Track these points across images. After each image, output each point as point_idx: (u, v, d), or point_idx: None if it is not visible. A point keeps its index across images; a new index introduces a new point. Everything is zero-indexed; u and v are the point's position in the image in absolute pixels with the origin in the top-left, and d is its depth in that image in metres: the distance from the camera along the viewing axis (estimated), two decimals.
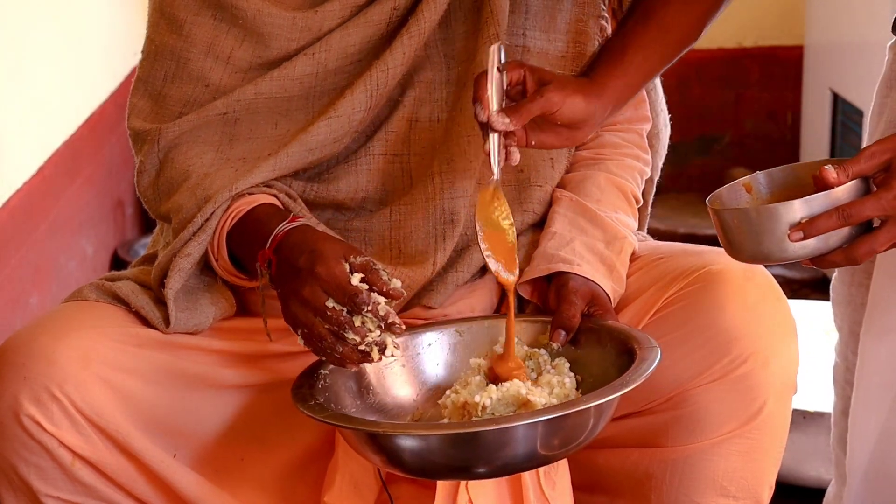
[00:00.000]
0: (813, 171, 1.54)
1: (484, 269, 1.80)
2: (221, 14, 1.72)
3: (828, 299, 1.97)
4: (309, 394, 1.55)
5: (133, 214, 3.84)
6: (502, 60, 1.59)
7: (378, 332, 1.51)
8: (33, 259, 2.89)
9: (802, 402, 2.44)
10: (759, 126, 4.54)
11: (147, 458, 1.63)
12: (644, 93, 1.90)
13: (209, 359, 1.69)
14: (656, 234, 1.99)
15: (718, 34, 3.66)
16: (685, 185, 4.50)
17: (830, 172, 1.50)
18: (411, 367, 1.68)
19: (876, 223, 1.53)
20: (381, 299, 1.51)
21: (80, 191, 3.30)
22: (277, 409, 1.70)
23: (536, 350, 1.66)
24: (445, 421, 1.58)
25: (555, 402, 1.56)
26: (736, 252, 1.56)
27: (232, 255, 1.68)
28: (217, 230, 1.66)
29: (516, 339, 1.67)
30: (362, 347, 1.51)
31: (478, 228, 1.59)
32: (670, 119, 1.99)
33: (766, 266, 1.67)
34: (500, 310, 1.80)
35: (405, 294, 1.55)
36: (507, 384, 1.56)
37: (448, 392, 1.61)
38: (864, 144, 1.87)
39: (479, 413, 1.54)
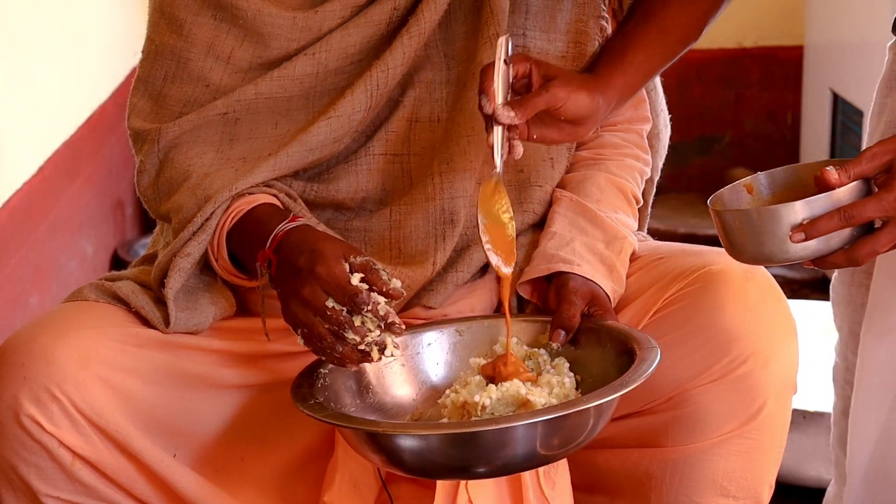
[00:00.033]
0: (814, 172, 1.54)
1: (484, 270, 1.80)
2: (222, 14, 1.72)
3: (828, 299, 1.97)
4: (308, 393, 1.55)
5: (133, 214, 3.84)
6: (510, 53, 1.59)
7: (378, 332, 1.51)
8: (33, 259, 2.89)
9: (802, 402, 2.44)
10: (759, 126, 4.54)
11: (147, 458, 1.63)
12: (644, 93, 1.90)
13: (209, 359, 1.69)
14: (656, 234, 1.99)
15: (718, 34, 3.66)
16: (685, 185, 4.50)
17: (832, 173, 1.50)
18: (411, 367, 1.68)
19: (877, 224, 1.53)
20: (381, 299, 1.51)
21: (80, 191, 3.30)
22: (277, 409, 1.70)
23: (536, 350, 1.66)
24: (445, 420, 1.58)
25: (554, 402, 1.56)
26: (737, 253, 1.56)
27: (232, 254, 1.68)
28: (217, 230, 1.66)
29: (515, 339, 1.68)
30: (362, 347, 1.51)
31: (479, 221, 1.59)
32: (670, 119, 1.99)
33: (766, 266, 1.67)
34: (500, 310, 1.80)
35: (405, 294, 1.55)
36: (506, 384, 1.56)
37: (447, 391, 1.61)
38: (864, 144, 1.88)
39: (479, 413, 1.54)
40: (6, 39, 2.79)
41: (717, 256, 1.70)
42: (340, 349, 1.51)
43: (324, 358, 1.55)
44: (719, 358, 1.65)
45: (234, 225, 1.66)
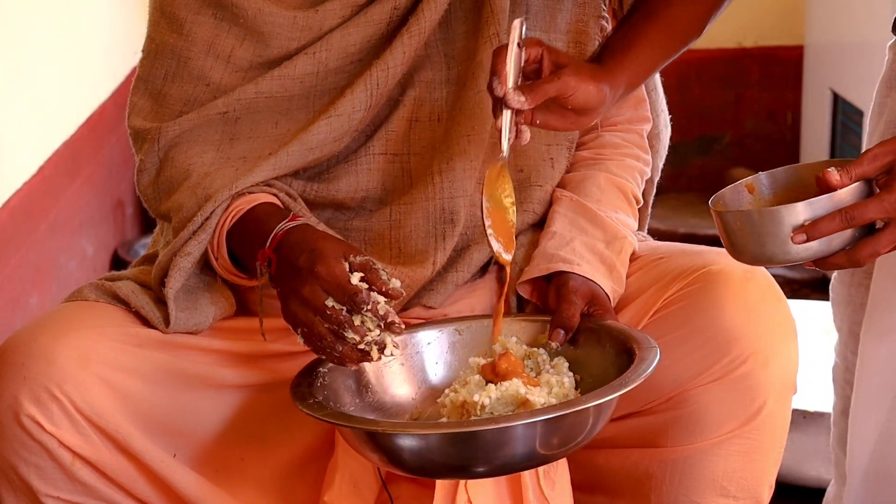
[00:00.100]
0: (815, 172, 1.54)
1: (484, 269, 1.80)
2: (222, 13, 1.72)
3: (828, 299, 1.97)
4: (308, 392, 1.55)
5: (133, 214, 3.84)
6: (523, 36, 1.59)
7: (377, 332, 1.51)
8: (33, 259, 2.89)
9: (802, 402, 2.44)
10: (759, 126, 4.54)
11: (147, 457, 1.63)
12: (644, 93, 1.90)
13: (209, 359, 1.69)
14: (656, 234, 1.99)
15: (718, 34, 3.66)
16: (685, 185, 4.50)
17: (833, 175, 1.50)
18: (410, 366, 1.68)
19: (878, 225, 1.53)
20: (381, 298, 1.51)
21: (80, 191, 3.30)
22: (277, 409, 1.70)
23: (535, 350, 1.66)
24: (444, 420, 1.58)
25: (553, 401, 1.56)
26: (739, 254, 1.56)
27: (231, 254, 1.68)
28: (217, 229, 1.66)
29: (515, 339, 1.68)
30: (362, 346, 1.51)
31: (483, 204, 1.59)
32: (670, 119, 1.99)
33: (767, 267, 1.67)
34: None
35: (404, 294, 1.55)
36: (506, 383, 1.56)
37: (447, 391, 1.61)
38: (864, 144, 1.88)
39: (478, 412, 1.54)
40: (6, 39, 2.79)
41: (717, 256, 1.70)
42: (340, 348, 1.51)
43: (323, 357, 1.55)
44: (719, 358, 1.65)
45: (234, 224, 1.66)
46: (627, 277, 1.76)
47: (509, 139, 1.58)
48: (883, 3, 3.47)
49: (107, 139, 3.57)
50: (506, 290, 1.64)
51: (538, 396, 1.54)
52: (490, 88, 1.57)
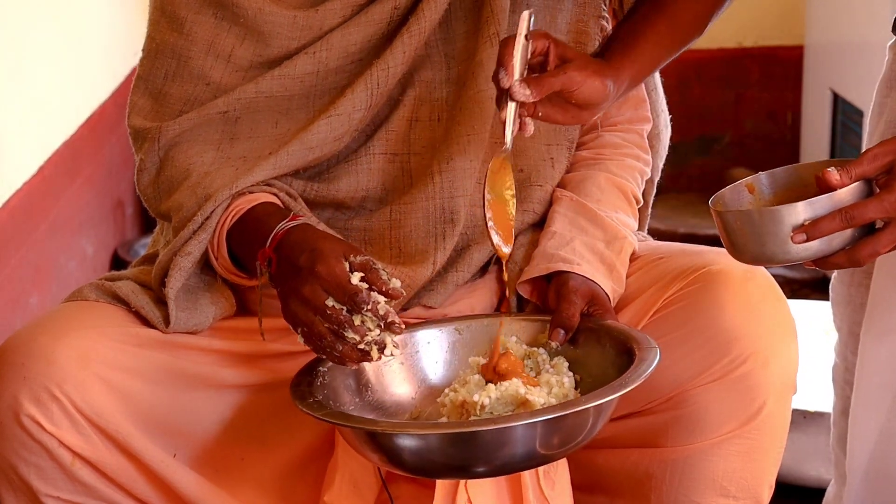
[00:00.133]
0: (815, 172, 1.54)
1: (484, 269, 1.80)
2: (222, 12, 1.72)
3: (828, 299, 1.97)
4: (308, 391, 1.55)
5: (133, 214, 3.84)
6: (531, 28, 1.59)
7: (377, 332, 1.51)
8: (33, 259, 2.89)
9: (802, 402, 2.44)
10: (759, 126, 4.54)
11: (147, 457, 1.63)
12: (644, 93, 1.90)
13: (209, 359, 1.69)
14: (656, 234, 1.99)
15: (718, 34, 3.66)
16: (685, 185, 4.50)
17: (833, 174, 1.50)
18: (410, 365, 1.68)
19: (878, 225, 1.53)
20: (381, 298, 1.51)
21: (80, 191, 3.30)
22: (277, 409, 1.70)
23: (535, 349, 1.66)
24: (444, 419, 1.58)
25: (553, 401, 1.56)
26: (739, 253, 1.56)
27: (231, 253, 1.68)
28: (217, 228, 1.66)
29: (515, 338, 1.67)
30: (362, 346, 1.51)
31: (485, 196, 1.59)
32: (670, 119, 1.99)
33: (767, 267, 1.67)
34: (500, 309, 1.80)
35: (404, 294, 1.55)
36: (505, 383, 1.56)
37: (446, 390, 1.61)
38: (864, 144, 1.88)
39: (478, 412, 1.54)
40: (6, 39, 2.79)
41: (717, 256, 1.70)
42: (340, 348, 1.51)
43: (323, 357, 1.55)
44: (719, 358, 1.65)
45: (234, 223, 1.66)
46: (627, 277, 1.76)
47: (513, 131, 1.57)
48: (883, 3, 3.47)
49: (107, 139, 3.57)
50: (508, 292, 1.64)
51: (538, 396, 1.54)
52: (496, 79, 1.56)
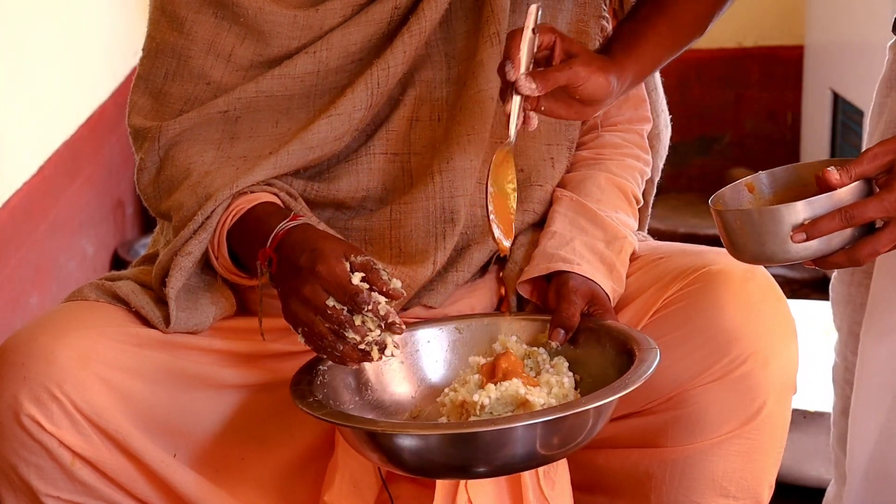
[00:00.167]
0: (815, 172, 1.54)
1: (484, 269, 1.80)
2: (223, 12, 1.72)
3: (828, 299, 1.97)
4: (307, 390, 1.55)
5: (133, 214, 3.84)
6: (538, 22, 1.58)
7: (378, 332, 1.51)
8: (33, 259, 2.89)
9: (802, 402, 2.44)
10: (759, 126, 4.54)
11: (147, 457, 1.63)
12: (645, 93, 1.90)
13: (209, 359, 1.69)
14: (656, 234, 1.99)
15: (718, 34, 3.65)
16: (685, 185, 4.50)
17: (833, 174, 1.50)
18: (410, 364, 1.67)
19: (878, 224, 1.53)
20: (382, 299, 1.51)
21: (80, 191, 3.30)
22: (277, 409, 1.70)
23: (535, 349, 1.66)
24: (443, 419, 1.58)
25: (553, 402, 1.56)
26: (738, 253, 1.56)
27: (232, 253, 1.68)
28: (218, 228, 1.66)
29: (515, 338, 1.67)
30: (362, 346, 1.51)
31: (487, 189, 1.58)
32: (670, 119, 1.99)
33: (767, 266, 1.67)
34: (500, 309, 1.80)
35: (405, 294, 1.55)
36: (505, 383, 1.56)
37: (446, 390, 1.61)
38: (864, 144, 1.87)
39: (478, 412, 1.54)
40: (6, 39, 2.79)
41: (717, 256, 1.70)
42: (341, 348, 1.51)
43: (324, 356, 1.55)
44: (719, 358, 1.65)
45: (234, 223, 1.66)
46: (627, 277, 1.76)
47: (517, 125, 1.57)
48: (883, 3, 3.47)
49: (107, 139, 3.57)
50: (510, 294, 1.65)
51: (538, 397, 1.54)
52: (501, 72, 1.56)
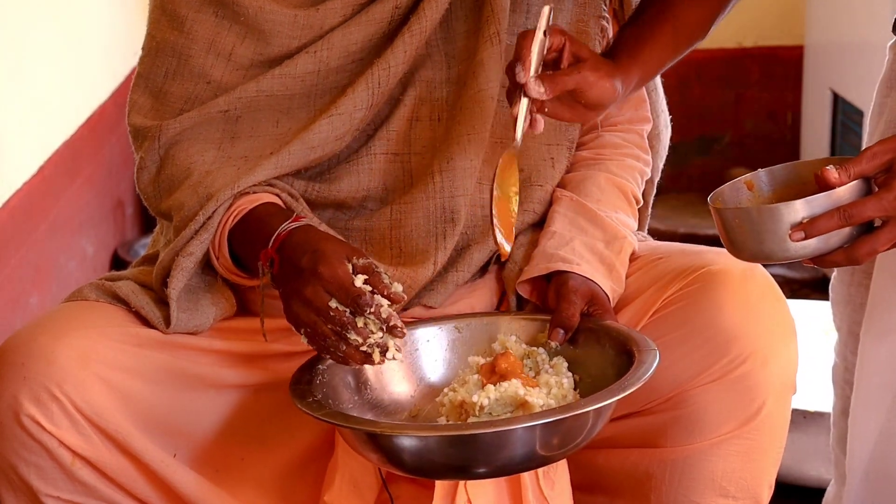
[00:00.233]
0: (815, 170, 1.54)
1: (484, 269, 1.80)
2: (223, 11, 1.72)
3: (828, 299, 1.96)
4: (307, 390, 1.55)
5: (133, 214, 3.84)
6: (550, 23, 1.58)
7: (380, 335, 1.51)
8: (33, 259, 2.89)
9: (802, 402, 2.44)
10: (759, 126, 4.54)
11: (147, 457, 1.63)
12: (644, 93, 1.90)
13: (209, 359, 1.69)
14: (656, 234, 1.99)
15: (718, 34, 3.65)
16: (685, 185, 4.50)
17: (832, 173, 1.50)
18: (409, 364, 1.67)
19: (877, 223, 1.53)
20: (384, 301, 1.51)
21: (80, 191, 3.30)
22: (277, 409, 1.70)
23: (535, 349, 1.66)
24: (443, 419, 1.58)
25: (552, 402, 1.56)
26: (737, 251, 1.56)
27: (232, 254, 1.68)
28: (219, 228, 1.66)
29: (514, 338, 1.67)
30: (364, 348, 1.51)
31: (493, 192, 1.58)
32: (670, 119, 1.99)
33: (766, 265, 1.67)
34: (499, 309, 1.80)
35: (405, 298, 1.55)
36: (504, 384, 1.56)
37: (446, 390, 1.61)
38: (864, 144, 1.87)
39: (477, 413, 1.54)
40: (6, 39, 2.79)
41: (717, 256, 1.70)
42: (344, 348, 1.51)
43: (327, 356, 1.55)
44: (718, 358, 1.65)
45: (236, 224, 1.66)
46: (627, 277, 1.76)
47: (524, 128, 1.57)
48: (883, 3, 3.47)
49: (107, 139, 3.57)
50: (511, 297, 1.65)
51: (537, 398, 1.54)
52: (511, 73, 1.56)
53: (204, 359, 1.69)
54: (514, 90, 1.57)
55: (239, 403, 1.72)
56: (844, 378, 1.93)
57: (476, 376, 1.60)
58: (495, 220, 1.58)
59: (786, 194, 1.59)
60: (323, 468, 1.71)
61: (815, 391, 2.42)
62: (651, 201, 1.98)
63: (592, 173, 1.83)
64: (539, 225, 1.81)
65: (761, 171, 1.63)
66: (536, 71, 1.56)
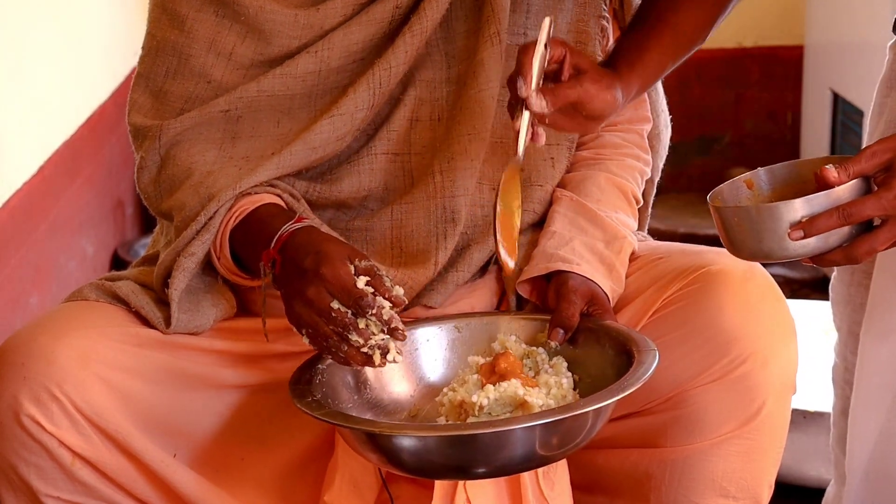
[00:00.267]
0: (814, 169, 1.54)
1: (484, 269, 1.80)
2: (223, 10, 1.72)
3: (828, 299, 1.96)
4: (306, 389, 1.55)
5: (133, 214, 3.84)
6: (550, 35, 1.58)
7: (381, 336, 1.51)
8: (33, 259, 2.89)
9: (802, 402, 2.44)
10: (759, 126, 4.54)
11: (147, 458, 1.63)
12: (645, 94, 1.90)
13: (209, 359, 1.69)
14: (656, 234, 1.99)
15: (718, 34, 3.65)
16: (685, 185, 4.50)
17: (831, 172, 1.50)
18: (409, 363, 1.67)
19: (876, 222, 1.53)
20: (386, 303, 1.51)
21: (80, 191, 3.30)
22: (277, 409, 1.70)
23: (534, 349, 1.66)
24: (442, 419, 1.58)
25: (552, 402, 1.56)
26: (737, 250, 1.56)
27: (233, 254, 1.68)
28: (220, 229, 1.66)
29: (514, 338, 1.67)
30: (365, 350, 1.51)
31: (496, 208, 1.58)
32: (670, 119, 1.99)
33: (765, 265, 1.67)
34: (499, 309, 1.80)
35: (406, 302, 1.55)
36: (504, 384, 1.56)
37: (445, 390, 1.61)
38: (864, 144, 1.87)
39: (477, 413, 1.54)
40: (6, 39, 2.79)
41: (717, 256, 1.70)
42: (345, 348, 1.51)
43: (328, 356, 1.55)
44: (718, 358, 1.65)
45: (237, 224, 1.66)
46: (627, 277, 1.76)
47: (525, 141, 1.57)
48: (883, 3, 3.47)
49: (107, 139, 3.57)
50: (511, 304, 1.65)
51: (536, 398, 1.54)
52: (513, 87, 1.56)
53: (204, 359, 1.69)
54: (516, 104, 1.57)
55: (239, 403, 1.72)
56: (844, 378, 1.93)
57: (476, 376, 1.60)
58: (499, 237, 1.59)
59: (785, 193, 1.59)
60: (323, 468, 1.71)
61: (815, 391, 2.42)
62: (651, 201, 1.98)
63: (592, 173, 1.83)
64: (539, 225, 1.81)
65: (761, 170, 1.63)
66: (538, 84, 1.56)
